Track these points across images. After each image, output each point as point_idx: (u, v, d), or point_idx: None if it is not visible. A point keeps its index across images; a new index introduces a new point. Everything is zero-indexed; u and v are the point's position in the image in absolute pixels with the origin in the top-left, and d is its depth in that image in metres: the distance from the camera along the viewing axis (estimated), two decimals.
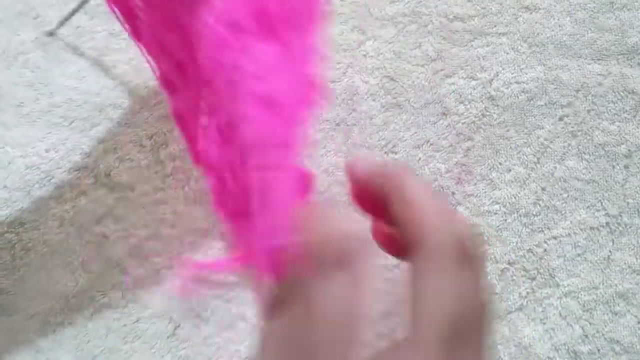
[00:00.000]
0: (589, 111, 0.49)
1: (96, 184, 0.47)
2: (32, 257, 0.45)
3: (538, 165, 0.48)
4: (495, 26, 0.51)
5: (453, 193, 0.47)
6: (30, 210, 0.47)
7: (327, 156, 0.48)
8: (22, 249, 0.46)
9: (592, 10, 0.51)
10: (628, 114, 0.49)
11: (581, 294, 0.45)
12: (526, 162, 0.48)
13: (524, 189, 0.47)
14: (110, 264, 0.45)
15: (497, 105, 0.49)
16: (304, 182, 0.31)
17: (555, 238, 0.46)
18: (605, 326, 0.45)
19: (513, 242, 0.46)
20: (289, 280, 0.24)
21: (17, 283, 0.45)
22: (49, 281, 0.45)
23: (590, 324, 0.45)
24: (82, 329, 0.44)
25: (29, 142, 0.48)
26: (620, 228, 0.47)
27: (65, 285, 0.45)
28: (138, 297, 0.45)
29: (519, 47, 0.50)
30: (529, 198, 0.47)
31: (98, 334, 0.44)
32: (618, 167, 0.48)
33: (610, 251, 0.46)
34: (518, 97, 0.49)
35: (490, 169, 0.48)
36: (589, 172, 0.48)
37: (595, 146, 0.48)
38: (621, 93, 0.49)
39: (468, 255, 0.22)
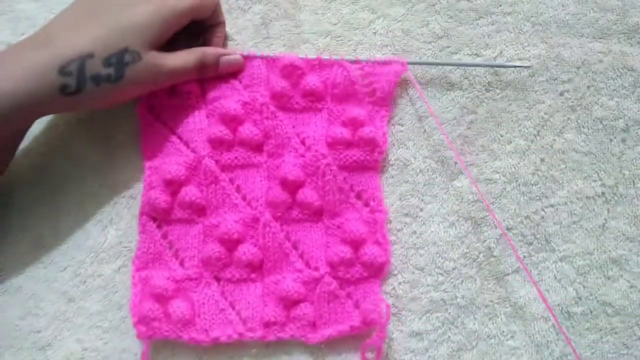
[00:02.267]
0: (588, 87, 0.51)
1: (125, 154, 0.51)
2: (67, 217, 0.50)
3: (538, 138, 0.50)
4: (500, 6, 0.53)
5: (455, 163, 0.50)
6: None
7: None
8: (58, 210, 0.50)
9: None
10: (627, 90, 0.51)
11: (576, 259, 0.48)
12: (526, 135, 0.50)
13: (524, 159, 0.50)
14: (136, 223, 0.49)
15: (500, 81, 0.51)
16: None
17: (552, 206, 0.49)
18: (599, 289, 0.47)
19: (511, 209, 0.49)
20: None
21: (53, 238, 0.49)
22: (81, 237, 0.49)
23: (583, 287, 0.47)
24: (110, 281, 0.48)
25: None
26: (616, 198, 0.49)
27: (96, 240, 0.49)
28: None
29: (523, 25, 0.52)
30: (528, 168, 0.49)
31: (125, 286, 0.48)
32: (615, 141, 0.50)
33: (605, 219, 0.49)
34: (520, 73, 0.51)
35: (491, 141, 0.50)
36: (587, 145, 0.50)
37: (593, 120, 0.50)
38: (620, 70, 0.51)
39: None
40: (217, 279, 0.46)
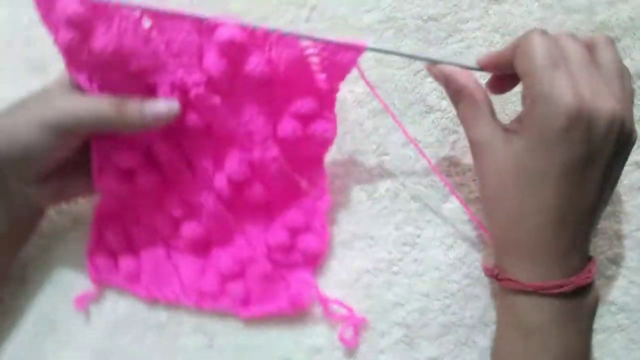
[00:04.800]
0: None
1: None
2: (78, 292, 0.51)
3: None
4: (467, 22, 0.53)
5: (444, 185, 0.51)
6: None
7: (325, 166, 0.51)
8: None
9: None
10: None
11: None
12: None
13: None
14: None
15: None
16: None
17: None
18: (600, 290, 0.48)
19: None
20: None
21: (66, 315, 0.51)
22: (92, 313, 0.50)
23: None
24: (129, 352, 0.50)
25: None
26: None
27: (110, 314, 0.50)
28: (174, 315, 0.50)
29: (492, 38, 0.53)
30: None
31: (142, 355, 0.49)
32: None
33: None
34: None
35: None
36: None
37: None
38: None
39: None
40: (167, 244, 0.50)
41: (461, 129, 0.51)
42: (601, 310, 0.48)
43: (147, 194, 0.49)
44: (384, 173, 0.51)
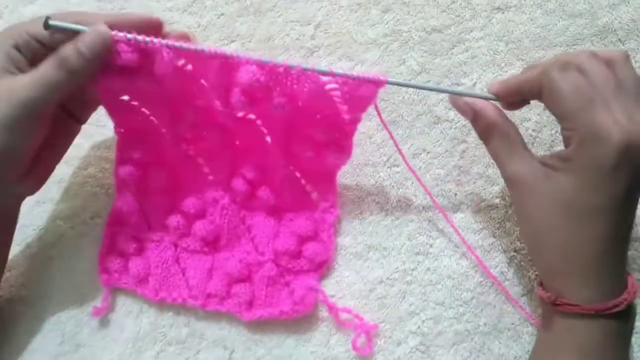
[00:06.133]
0: None
1: None
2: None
3: None
4: (471, 31, 0.54)
5: (455, 194, 0.51)
6: None
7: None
8: None
9: None
10: None
11: None
12: None
13: None
14: (167, 309, 0.51)
15: None
16: None
17: None
18: None
19: (516, 231, 0.50)
20: None
21: (89, 337, 0.52)
22: (116, 330, 0.52)
23: None
24: None
25: (75, 213, 0.54)
26: None
27: (131, 331, 0.51)
28: (194, 330, 0.51)
29: (497, 47, 0.54)
30: None
31: None
32: None
33: None
34: None
35: (486, 167, 0.52)
36: None
37: None
38: None
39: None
40: (175, 246, 0.52)
41: (470, 138, 0.52)
42: None
43: (160, 194, 0.51)
44: (394, 184, 0.52)
